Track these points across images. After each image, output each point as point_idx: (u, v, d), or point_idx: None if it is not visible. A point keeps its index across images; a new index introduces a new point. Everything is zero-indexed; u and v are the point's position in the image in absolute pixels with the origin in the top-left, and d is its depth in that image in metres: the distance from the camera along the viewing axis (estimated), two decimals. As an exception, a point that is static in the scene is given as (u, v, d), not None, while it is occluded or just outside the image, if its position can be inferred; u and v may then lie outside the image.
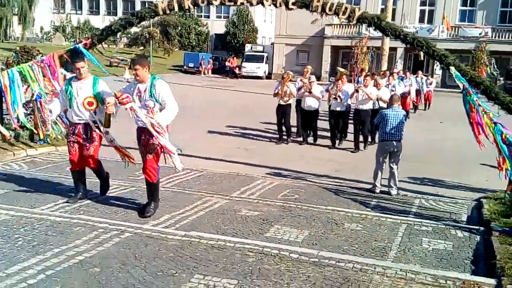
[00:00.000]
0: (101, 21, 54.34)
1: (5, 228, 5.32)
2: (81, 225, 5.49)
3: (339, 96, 11.81)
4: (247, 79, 40.21)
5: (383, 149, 8.28)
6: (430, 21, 39.52)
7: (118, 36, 49.38)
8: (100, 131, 6.44)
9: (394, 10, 36.70)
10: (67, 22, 59.60)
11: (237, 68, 43.50)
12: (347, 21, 8.12)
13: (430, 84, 21.95)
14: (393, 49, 27.76)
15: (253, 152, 11.56)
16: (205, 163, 9.96)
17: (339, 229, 6.01)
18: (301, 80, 12.91)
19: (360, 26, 32.13)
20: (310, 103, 12.32)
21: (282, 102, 12.42)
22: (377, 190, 8.22)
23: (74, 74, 6.60)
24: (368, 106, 11.91)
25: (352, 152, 11.77)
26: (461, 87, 7.32)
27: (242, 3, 8.31)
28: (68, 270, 4.37)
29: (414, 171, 9.67)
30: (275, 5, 8.04)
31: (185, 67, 44.70)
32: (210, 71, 44.50)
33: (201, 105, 21.40)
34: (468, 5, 39.20)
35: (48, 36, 56.92)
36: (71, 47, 10.77)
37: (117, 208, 6.42)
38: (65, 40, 50.64)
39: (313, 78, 12.61)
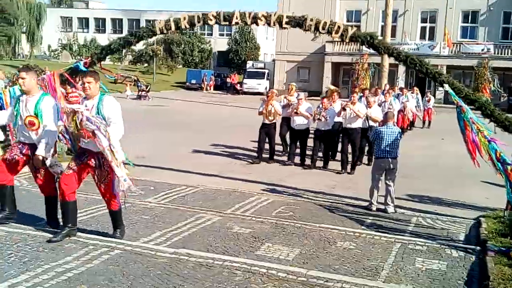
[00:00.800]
0: (107, 39, 54.92)
1: None
2: (73, 241, 5.49)
3: (323, 116, 11.21)
4: (248, 95, 40.41)
5: (378, 167, 8.26)
6: (432, 37, 39.73)
7: (123, 54, 50.05)
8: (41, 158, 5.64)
9: (394, 27, 37.07)
10: (74, 41, 60.49)
11: (238, 85, 43.82)
12: (340, 39, 8.16)
13: (428, 101, 21.54)
14: (394, 66, 27.80)
15: (250, 168, 11.55)
16: (201, 178, 9.97)
17: (331, 247, 5.97)
18: (285, 98, 12.56)
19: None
20: (298, 121, 11.70)
21: (266, 121, 11.93)
22: (374, 208, 8.18)
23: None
24: (357, 124, 11.31)
25: (338, 173, 11.17)
26: (455, 105, 7.32)
27: (236, 23, 8.41)
28: (56, 286, 4.37)
29: (413, 188, 9.63)
30: (268, 24, 8.14)
31: (187, 83, 45.15)
32: (212, 88, 44.89)
33: (200, 120, 21.53)
34: (469, 21, 39.45)
35: (56, 54, 57.65)
36: (72, 66, 10.91)
37: (110, 225, 6.38)
38: (72, 58, 51.20)
39: (301, 95, 12.19)
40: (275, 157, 12.35)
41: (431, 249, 6.04)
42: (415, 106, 19.16)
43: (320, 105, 11.41)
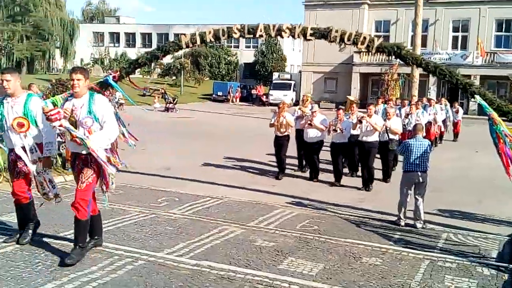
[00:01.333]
0: (137, 53, 56.09)
1: (27, 253, 5.49)
2: (98, 251, 5.59)
3: (339, 128, 10.83)
4: (274, 106, 40.37)
5: (407, 180, 8.02)
6: (464, 47, 38.86)
7: (152, 67, 50.94)
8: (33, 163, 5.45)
9: (425, 37, 36.54)
10: (105, 55, 61.93)
11: (264, 96, 43.89)
12: (366, 50, 8.06)
13: (457, 112, 20.39)
14: (425, 76, 27.24)
15: (274, 180, 11.43)
16: (226, 190, 9.96)
17: (357, 263, 5.81)
18: (299, 109, 12.11)
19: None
20: (312, 134, 11.25)
21: (278, 134, 11.51)
22: (402, 223, 7.94)
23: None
24: (374, 138, 10.74)
25: (358, 189, 10.66)
26: (487, 117, 7.08)
27: (260, 36, 8.43)
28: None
29: (443, 202, 9.35)
30: (293, 36, 8.11)
31: (214, 95, 45.53)
32: (238, 99, 45.14)
33: (226, 131, 21.60)
34: (503, 30, 38.48)
35: (88, 68, 59.06)
36: (101, 80, 11.14)
37: (135, 235, 6.46)
38: (103, 72, 52.43)
39: (315, 107, 11.80)
40: (290, 171, 12.04)
41: (462, 267, 5.81)
42: (445, 118, 18.53)
43: (336, 117, 11.11)
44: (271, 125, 11.64)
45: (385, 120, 11.34)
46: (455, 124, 20.32)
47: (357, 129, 10.85)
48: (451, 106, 20.30)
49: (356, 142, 11.10)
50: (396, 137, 11.35)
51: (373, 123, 10.59)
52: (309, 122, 11.20)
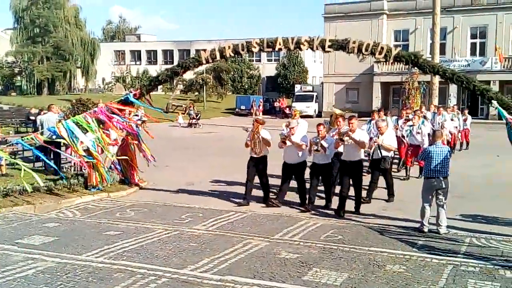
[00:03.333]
0: (159, 70, 56.88)
1: (49, 276, 5.58)
2: (121, 271, 5.67)
3: (321, 146, 9.32)
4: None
5: (429, 187, 8.06)
6: (482, 53, 38.61)
7: (174, 83, 51.69)
8: None
9: (443, 45, 36.39)
10: (127, 73, 62.95)
11: (288, 108, 44.08)
12: (384, 60, 8.16)
13: (465, 121, 19.03)
14: (445, 83, 27.02)
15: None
16: (250, 204, 9.99)
17: (381, 271, 5.86)
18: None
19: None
20: (290, 152, 9.66)
21: (253, 154, 9.92)
22: (425, 229, 7.96)
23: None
24: (359, 156, 9.22)
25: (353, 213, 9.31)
26: (505, 121, 7.11)
27: (280, 49, 8.61)
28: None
29: (466, 208, 9.35)
30: (312, 48, 8.27)
31: (237, 109, 45.87)
32: (261, 113, 45.34)
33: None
34: (521, 35, 38.05)
35: (109, 86, 60.16)
36: (122, 97, 11.48)
37: (159, 252, 6.56)
38: (125, 90, 53.29)
39: (294, 123, 9.93)
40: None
41: (484, 271, 5.84)
42: (455, 127, 17.28)
43: (318, 134, 9.58)
44: (246, 144, 10.09)
45: (377, 135, 10.29)
46: (463, 132, 18.99)
47: (340, 147, 9.42)
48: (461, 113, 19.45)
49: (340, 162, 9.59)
50: (390, 154, 10.23)
51: (357, 139, 9.05)
52: (283, 139, 9.59)
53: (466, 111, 20.47)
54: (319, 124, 9.74)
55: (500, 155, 15.89)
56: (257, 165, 10.00)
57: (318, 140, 9.39)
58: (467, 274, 5.74)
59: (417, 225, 8.13)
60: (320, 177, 9.68)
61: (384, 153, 9.96)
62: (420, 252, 6.76)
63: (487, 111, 33.47)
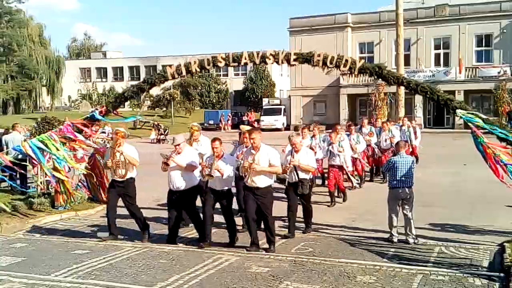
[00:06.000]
0: (125, 87, 56.30)
1: None
2: (89, 291, 5.50)
3: (216, 170, 7.49)
4: (266, 131, 40.66)
5: (395, 197, 8.14)
6: (446, 63, 39.80)
7: (141, 100, 51.25)
8: None
9: (408, 56, 37.33)
10: (93, 90, 62.15)
11: (256, 122, 44.26)
12: (349, 72, 8.27)
13: (415, 133, 15.58)
14: (411, 94, 27.68)
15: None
16: (220, 218, 9.85)
17: (351, 282, 5.85)
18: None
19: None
20: (177, 179, 7.91)
21: (116, 178, 8.20)
22: (395, 239, 8.04)
23: None
24: (266, 182, 7.54)
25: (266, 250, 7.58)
26: (471, 130, 7.28)
27: (245, 63, 8.62)
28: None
29: (435, 217, 9.47)
30: (277, 62, 8.31)
31: (205, 124, 45.74)
32: (229, 127, 45.43)
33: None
34: (483, 45, 39.40)
35: (76, 104, 59.24)
36: (88, 115, 11.26)
37: (128, 270, 6.41)
38: (92, 107, 52.52)
39: (178, 139, 8.10)
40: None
41: (454, 279, 5.89)
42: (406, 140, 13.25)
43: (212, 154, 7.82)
44: (105, 165, 8.62)
45: (291, 153, 8.37)
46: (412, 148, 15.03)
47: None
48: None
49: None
50: (309, 176, 8.48)
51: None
52: (165, 161, 7.85)
53: (413, 123, 17.53)
54: (214, 139, 7.73)
55: (467, 164, 16.26)
56: (120, 190, 8.19)
57: (212, 161, 7.59)
58: (437, 283, 5.77)
59: (387, 235, 8.19)
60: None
61: (302, 175, 8.32)
62: (390, 262, 6.81)
63: (453, 121, 34.37)
